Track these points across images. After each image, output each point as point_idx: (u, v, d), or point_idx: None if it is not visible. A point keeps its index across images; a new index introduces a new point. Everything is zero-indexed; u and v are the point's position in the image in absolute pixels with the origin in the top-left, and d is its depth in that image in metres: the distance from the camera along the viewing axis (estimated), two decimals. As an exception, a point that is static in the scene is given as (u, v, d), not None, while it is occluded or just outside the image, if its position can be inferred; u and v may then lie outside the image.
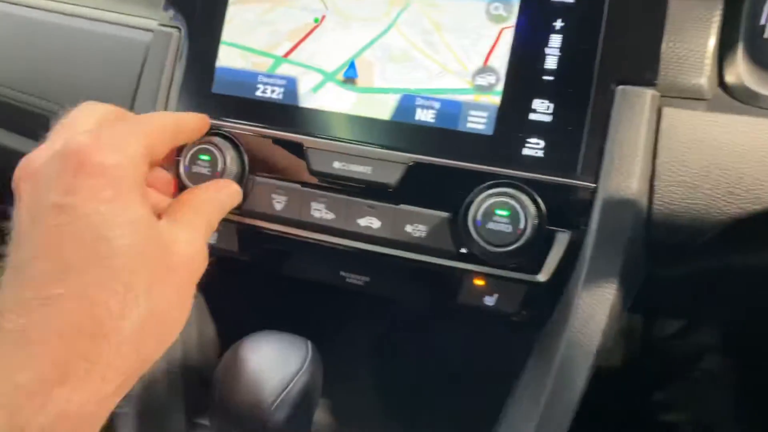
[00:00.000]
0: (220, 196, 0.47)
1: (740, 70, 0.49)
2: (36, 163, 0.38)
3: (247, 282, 0.66)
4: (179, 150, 0.53)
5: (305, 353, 0.49)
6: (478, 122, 0.50)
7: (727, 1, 0.50)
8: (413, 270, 0.53)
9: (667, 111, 0.48)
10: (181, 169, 0.54)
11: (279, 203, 0.54)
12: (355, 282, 0.57)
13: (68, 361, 0.33)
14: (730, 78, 0.50)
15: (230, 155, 0.53)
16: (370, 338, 0.67)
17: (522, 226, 0.47)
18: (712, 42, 0.49)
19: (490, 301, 0.51)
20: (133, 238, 0.36)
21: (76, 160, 0.36)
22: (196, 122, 0.49)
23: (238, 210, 0.55)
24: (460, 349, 0.63)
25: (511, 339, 0.54)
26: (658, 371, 1.14)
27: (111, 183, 0.36)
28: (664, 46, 0.48)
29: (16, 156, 0.69)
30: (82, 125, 0.41)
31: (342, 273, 0.57)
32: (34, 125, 0.66)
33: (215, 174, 0.53)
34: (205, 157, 0.53)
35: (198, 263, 0.41)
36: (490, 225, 0.47)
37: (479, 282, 0.51)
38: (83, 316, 0.34)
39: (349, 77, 0.53)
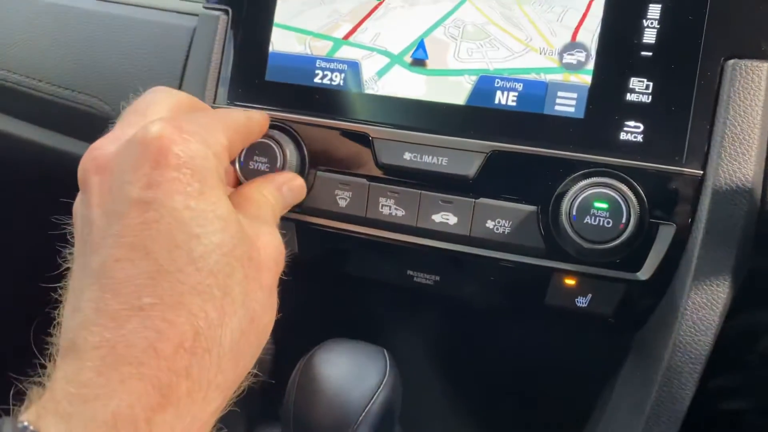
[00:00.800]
0: (284, 191, 0.42)
1: None
2: (106, 153, 0.33)
3: (307, 282, 0.62)
4: None
5: (384, 365, 0.45)
6: (567, 104, 0.45)
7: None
8: (492, 269, 0.48)
9: (784, 86, 0.42)
10: (237, 165, 0.49)
11: (343, 199, 0.50)
12: (423, 282, 0.53)
13: (169, 383, 0.28)
14: None
15: (289, 149, 0.49)
16: (444, 342, 0.63)
17: (624, 220, 0.42)
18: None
19: (582, 302, 0.46)
20: (224, 235, 0.32)
21: (157, 149, 0.31)
22: (262, 121, 0.44)
23: (299, 207, 0.50)
24: (544, 353, 0.58)
25: (603, 341, 0.49)
26: (715, 357, 1.09)
27: (196, 176, 0.32)
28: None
29: (53, 154, 0.65)
30: (156, 112, 0.36)
31: (409, 272, 0.53)
32: (76, 122, 0.62)
33: (275, 170, 0.48)
34: (263, 152, 0.49)
35: (281, 258, 0.37)
36: (588, 219, 0.42)
37: (570, 281, 0.46)
38: (182, 327, 0.29)
39: (418, 59, 0.48)
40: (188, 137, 0.32)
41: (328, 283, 0.63)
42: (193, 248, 0.30)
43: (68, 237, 0.36)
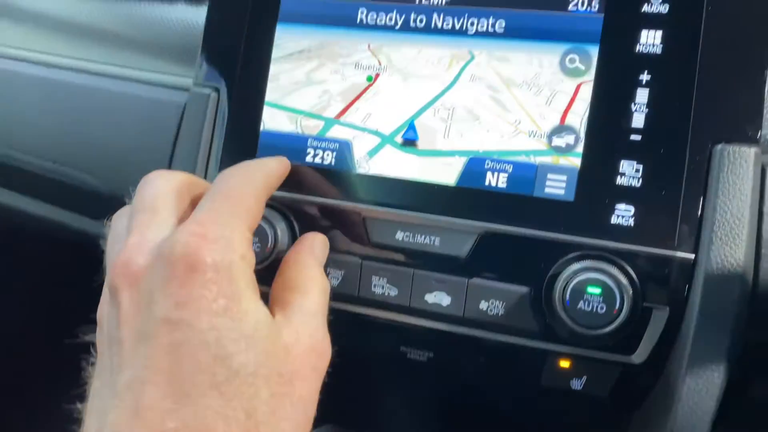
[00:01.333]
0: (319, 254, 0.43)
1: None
2: (136, 265, 0.33)
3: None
4: None
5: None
6: (557, 187, 0.45)
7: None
8: (486, 349, 0.48)
9: (772, 170, 0.43)
10: None
11: (335, 278, 0.49)
12: (416, 358, 0.52)
13: None
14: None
15: (280, 228, 0.49)
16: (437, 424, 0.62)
17: (618, 305, 0.42)
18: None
19: (577, 384, 0.46)
20: (252, 353, 0.32)
21: (184, 266, 0.31)
22: (280, 168, 0.44)
23: (290, 286, 0.50)
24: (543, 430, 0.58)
25: (603, 420, 0.49)
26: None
27: (223, 289, 0.32)
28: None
29: (46, 225, 0.64)
30: (166, 206, 0.37)
31: (403, 348, 0.53)
32: (65, 194, 0.62)
33: (266, 250, 0.48)
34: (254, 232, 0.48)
35: (323, 362, 0.36)
36: (581, 305, 0.42)
37: (565, 364, 0.46)
38: None
39: (409, 139, 0.48)
40: (214, 247, 0.32)
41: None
42: (216, 372, 0.30)
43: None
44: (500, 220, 0.46)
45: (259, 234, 0.48)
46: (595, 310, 0.42)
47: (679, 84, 0.43)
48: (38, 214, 0.67)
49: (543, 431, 0.58)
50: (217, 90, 0.54)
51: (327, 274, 0.49)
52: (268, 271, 0.47)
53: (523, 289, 0.45)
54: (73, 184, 0.60)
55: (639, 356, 0.44)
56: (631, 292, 0.42)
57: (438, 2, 0.48)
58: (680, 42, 0.43)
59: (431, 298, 0.47)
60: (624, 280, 0.42)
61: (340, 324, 0.51)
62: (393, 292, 0.48)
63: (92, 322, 0.38)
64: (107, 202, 0.59)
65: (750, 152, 0.42)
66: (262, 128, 0.52)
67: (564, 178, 0.45)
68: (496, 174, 0.46)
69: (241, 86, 0.52)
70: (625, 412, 0.48)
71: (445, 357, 0.51)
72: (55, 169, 0.60)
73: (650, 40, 0.44)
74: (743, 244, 0.42)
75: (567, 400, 0.47)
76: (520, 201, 0.46)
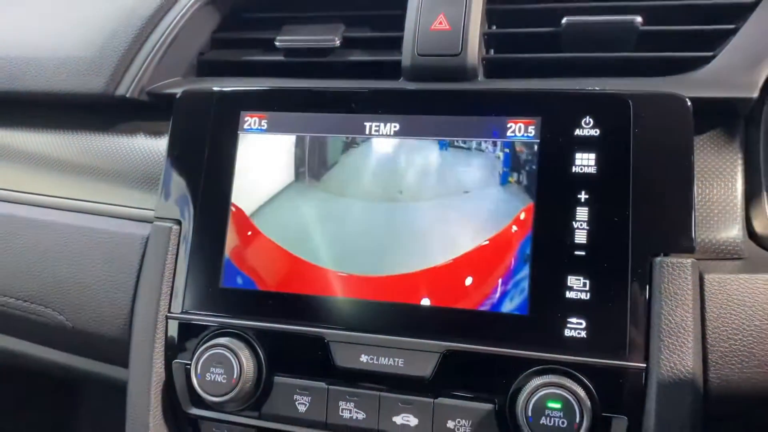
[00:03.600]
0: None
1: (768, 220, 0.48)
2: None
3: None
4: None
5: None
6: (513, 304, 0.47)
7: (742, 148, 0.50)
8: (456, 464, 0.48)
9: (709, 278, 0.46)
10: (193, 380, 0.50)
11: (303, 404, 0.50)
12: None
13: None
14: (758, 227, 0.49)
15: (245, 356, 0.50)
16: None
17: (578, 419, 0.43)
18: (738, 194, 0.48)
19: (547, 498, 0.47)
20: None
21: None
22: None
23: (257, 413, 0.50)
24: None
25: None
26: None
27: None
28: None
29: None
30: None
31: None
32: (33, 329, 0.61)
33: (233, 381, 0.49)
34: (219, 362, 0.49)
35: None
36: (544, 420, 0.44)
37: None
38: None
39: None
40: None
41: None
42: None
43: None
44: (461, 338, 0.47)
45: (224, 364, 0.49)
46: (556, 424, 0.43)
47: (615, 201, 0.46)
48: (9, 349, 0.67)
49: None
50: (179, 222, 0.55)
51: (295, 401, 0.50)
52: (234, 403, 0.48)
53: (488, 406, 0.46)
54: (37, 320, 0.60)
55: (604, 468, 0.45)
56: (589, 403, 0.44)
57: (386, 132, 0.51)
58: (612, 162, 0.47)
59: (399, 419, 0.48)
60: (582, 393, 0.44)
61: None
62: (361, 416, 0.49)
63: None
64: (74, 336, 0.59)
65: (687, 262, 0.45)
66: (225, 256, 0.53)
67: (521, 296, 0.47)
68: (453, 293, 0.48)
69: (203, 217, 0.54)
70: None
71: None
72: (18, 306, 0.60)
73: (584, 161, 0.47)
74: (690, 349, 0.44)
75: None
76: (480, 317, 0.47)
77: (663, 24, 0.52)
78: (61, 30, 0.66)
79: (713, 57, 0.50)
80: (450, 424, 0.47)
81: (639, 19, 0.51)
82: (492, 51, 0.56)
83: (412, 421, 0.48)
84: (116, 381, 0.62)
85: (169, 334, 0.54)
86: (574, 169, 0.47)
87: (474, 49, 0.53)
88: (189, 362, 0.51)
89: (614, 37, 0.53)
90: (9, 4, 0.71)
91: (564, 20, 0.53)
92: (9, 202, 0.63)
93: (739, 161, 0.49)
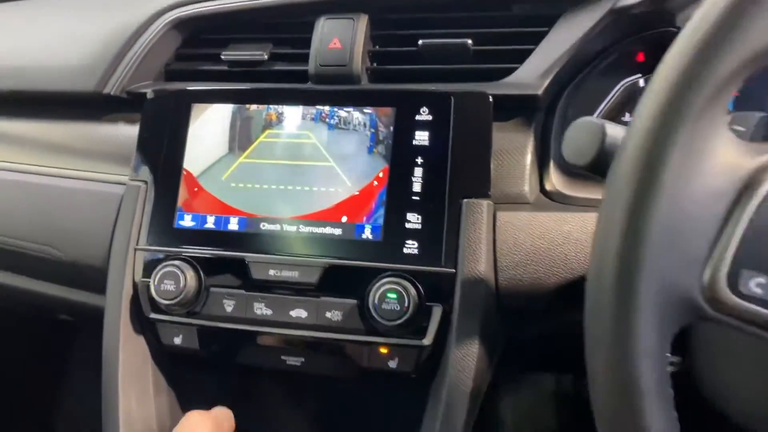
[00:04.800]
0: None
1: (553, 180, 0.71)
2: None
3: (207, 377, 0.82)
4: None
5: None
6: (372, 234, 0.69)
7: (537, 131, 0.72)
8: (336, 347, 0.70)
9: (500, 214, 0.68)
10: (152, 290, 0.71)
11: (229, 306, 0.71)
12: (293, 363, 0.74)
13: None
14: (547, 186, 0.71)
15: (189, 274, 0.71)
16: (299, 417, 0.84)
17: (407, 305, 0.65)
18: (528, 161, 0.70)
19: (393, 364, 0.68)
20: None
21: None
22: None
23: (197, 315, 0.71)
24: (374, 409, 0.79)
25: (409, 394, 0.71)
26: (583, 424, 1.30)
27: None
28: (493, 168, 0.69)
29: (20, 294, 0.85)
30: None
31: (282, 357, 0.74)
32: (37, 265, 0.83)
33: (179, 289, 0.70)
34: (171, 278, 0.70)
35: None
36: (384, 306, 0.65)
37: (384, 350, 0.68)
38: None
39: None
40: None
41: (226, 375, 0.83)
42: None
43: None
44: (338, 257, 0.69)
45: (173, 279, 0.70)
46: (393, 308, 0.65)
47: (439, 163, 0.68)
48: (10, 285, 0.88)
49: (377, 401, 0.79)
50: (146, 183, 0.77)
51: (224, 304, 0.71)
52: (180, 306, 0.69)
53: (354, 301, 0.68)
54: (39, 256, 0.82)
55: (427, 339, 0.66)
56: (416, 295, 0.65)
57: (295, 117, 0.74)
58: (439, 137, 0.69)
59: (294, 313, 0.70)
60: (411, 288, 0.65)
61: (240, 343, 0.73)
62: (269, 312, 0.70)
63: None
64: (69, 269, 0.80)
65: (484, 202, 0.67)
66: (178, 205, 0.75)
67: (371, 231, 0.69)
68: (335, 227, 0.70)
69: (162, 179, 0.76)
70: (426, 383, 0.69)
71: (311, 360, 0.73)
72: (25, 246, 0.82)
73: (421, 137, 0.69)
74: (483, 262, 0.66)
75: (388, 377, 0.69)
76: (350, 243, 0.69)
77: (490, 44, 0.75)
78: (61, 44, 0.88)
79: (518, 68, 0.72)
80: (328, 314, 0.68)
81: (470, 41, 0.74)
82: (375, 63, 0.79)
83: (303, 314, 0.69)
84: (96, 308, 0.82)
85: (136, 261, 0.75)
86: (414, 142, 0.70)
87: (358, 62, 0.75)
88: (149, 279, 0.72)
89: (456, 54, 0.75)
90: (23, 25, 0.94)
91: (420, 42, 0.75)
92: (15, 171, 0.85)
93: (532, 139, 0.72)
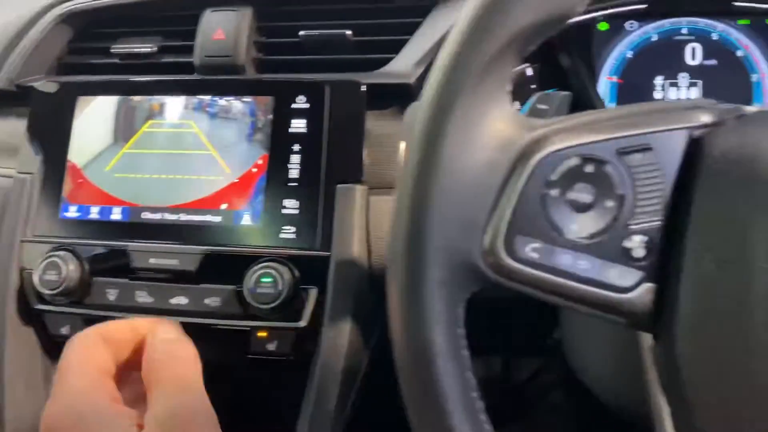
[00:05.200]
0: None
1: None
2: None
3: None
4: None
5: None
6: (251, 220, 0.70)
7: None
8: (219, 333, 0.71)
9: (374, 199, 0.70)
10: (35, 280, 0.71)
11: (112, 295, 0.72)
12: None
13: None
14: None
15: (72, 264, 0.71)
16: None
17: (280, 287, 0.66)
18: (403, 147, 0.72)
19: (272, 347, 0.70)
20: None
21: None
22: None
23: (82, 304, 0.72)
24: (259, 391, 0.81)
25: (291, 377, 0.72)
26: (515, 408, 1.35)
27: None
28: (369, 154, 0.71)
29: None
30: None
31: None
32: None
33: (61, 279, 0.70)
34: (53, 268, 0.71)
35: None
36: (259, 290, 0.67)
37: (262, 334, 0.70)
38: None
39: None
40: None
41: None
42: None
43: None
44: (217, 243, 0.70)
45: (55, 269, 0.71)
46: (267, 292, 0.66)
47: (315, 150, 0.70)
48: None
49: (264, 385, 0.81)
50: (32, 174, 0.77)
51: (107, 293, 0.72)
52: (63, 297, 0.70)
53: (231, 287, 0.69)
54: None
55: (303, 321, 0.68)
56: (290, 278, 0.67)
57: (180, 107, 0.75)
58: (315, 125, 0.71)
59: (175, 300, 0.71)
60: (287, 272, 0.67)
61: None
62: (150, 299, 0.71)
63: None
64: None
65: (357, 187, 0.69)
66: (63, 195, 0.75)
67: (250, 214, 0.71)
68: (214, 215, 0.71)
69: (47, 171, 0.76)
70: (306, 364, 0.71)
71: (199, 346, 0.74)
72: None
73: (298, 125, 0.71)
74: (357, 244, 0.68)
75: (271, 360, 0.71)
76: (230, 229, 0.71)
77: (369, 35, 0.77)
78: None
79: (392, 58, 0.75)
80: (207, 301, 0.70)
81: (349, 32, 0.76)
82: (261, 54, 0.80)
83: (183, 300, 0.70)
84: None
85: (23, 253, 0.75)
86: (291, 130, 0.71)
87: (242, 53, 0.77)
88: (33, 270, 0.73)
89: (337, 44, 0.77)
90: None
91: (301, 33, 0.77)
92: None
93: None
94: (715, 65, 0.86)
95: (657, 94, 0.88)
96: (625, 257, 0.37)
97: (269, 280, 0.67)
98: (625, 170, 0.37)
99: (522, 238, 0.38)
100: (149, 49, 0.82)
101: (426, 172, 0.37)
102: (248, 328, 0.70)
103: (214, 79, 0.76)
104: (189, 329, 0.71)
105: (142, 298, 0.71)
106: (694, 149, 0.37)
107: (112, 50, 0.82)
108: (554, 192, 0.38)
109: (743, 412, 0.35)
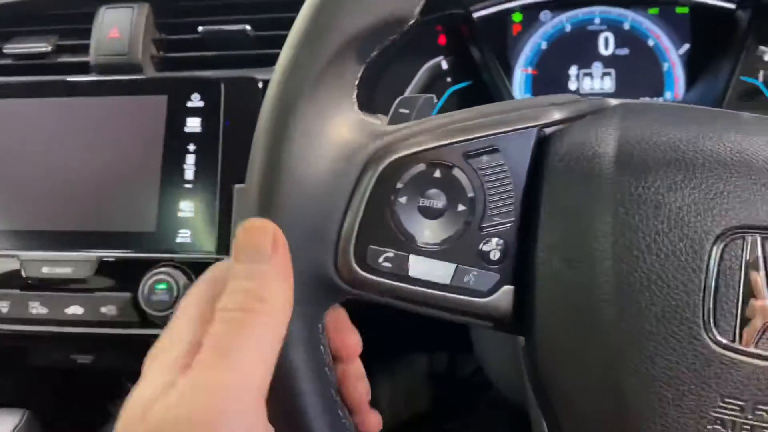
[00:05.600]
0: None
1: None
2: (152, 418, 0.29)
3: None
4: None
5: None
6: (146, 225, 0.68)
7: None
8: (120, 342, 0.69)
9: (273, 198, 0.68)
10: None
11: (4, 307, 0.69)
12: (84, 362, 0.72)
13: None
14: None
15: None
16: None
17: (176, 294, 0.64)
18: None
19: (171, 355, 0.67)
20: None
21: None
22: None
23: (-27, 318, 0.69)
24: None
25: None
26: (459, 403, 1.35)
27: None
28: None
29: None
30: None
31: (72, 356, 0.72)
32: None
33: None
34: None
35: None
36: (153, 297, 0.64)
37: (161, 342, 0.67)
38: None
39: (51, 203, 0.70)
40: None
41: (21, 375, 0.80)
42: None
43: None
44: (111, 250, 0.68)
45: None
46: (162, 299, 0.64)
47: (211, 150, 0.68)
48: None
49: None
50: None
51: (-1, 306, 0.69)
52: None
53: (127, 294, 0.67)
54: None
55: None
56: (187, 284, 0.65)
57: (76, 108, 0.72)
58: (210, 124, 0.68)
59: (70, 310, 0.68)
60: (182, 278, 0.65)
61: (26, 343, 0.71)
62: (45, 310, 0.68)
63: None
64: None
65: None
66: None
67: (150, 217, 0.68)
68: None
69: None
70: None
71: (99, 356, 0.72)
72: None
73: (193, 124, 0.69)
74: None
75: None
76: (124, 235, 0.68)
77: (270, 30, 0.75)
78: None
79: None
80: (103, 309, 0.67)
81: (248, 27, 0.74)
82: (161, 52, 0.77)
83: (79, 310, 0.68)
84: None
85: None
86: (186, 129, 0.69)
87: (138, 51, 0.74)
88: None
89: (238, 40, 0.75)
90: None
91: (200, 29, 0.74)
92: None
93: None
94: (628, 54, 0.86)
95: (572, 85, 0.87)
96: (482, 261, 0.36)
97: (164, 286, 0.64)
98: (474, 173, 0.36)
99: (374, 248, 0.36)
100: (44, 49, 0.78)
101: (269, 184, 0.36)
102: (147, 336, 0.67)
103: (109, 80, 0.73)
104: (87, 340, 0.69)
105: (36, 309, 0.68)
106: (543, 148, 0.36)
107: (5, 50, 0.79)
108: (403, 199, 0.36)
109: (600, 405, 0.34)
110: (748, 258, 0.32)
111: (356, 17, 0.35)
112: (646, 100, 0.86)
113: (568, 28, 0.87)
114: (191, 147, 0.68)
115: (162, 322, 0.65)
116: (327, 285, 0.37)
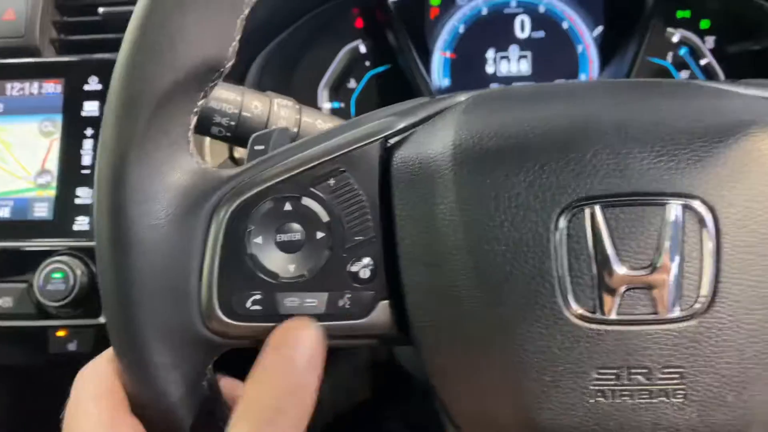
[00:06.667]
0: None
1: (240, 149, 0.70)
2: None
3: None
4: None
5: None
6: (42, 211, 0.65)
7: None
8: (18, 334, 0.66)
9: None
10: None
11: None
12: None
13: None
14: (236, 154, 0.70)
15: None
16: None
17: (72, 283, 0.62)
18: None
19: (72, 346, 0.65)
20: None
21: None
22: None
23: None
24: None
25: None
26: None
27: None
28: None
29: None
30: None
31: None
32: None
33: None
34: None
35: None
36: (49, 287, 0.62)
37: (61, 333, 0.65)
38: None
39: None
40: None
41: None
42: None
43: None
44: (5, 239, 0.65)
45: None
46: (57, 288, 0.62)
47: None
48: None
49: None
50: None
51: None
52: None
53: (22, 285, 0.64)
54: None
55: (103, 318, 0.63)
56: (85, 272, 0.62)
57: None
58: (109, 108, 0.66)
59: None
60: (80, 266, 0.63)
61: None
62: (-64, 304, 0.65)
63: None
64: None
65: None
66: None
67: (46, 204, 0.65)
68: (1, 208, 0.66)
69: None
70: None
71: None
72: None
73: (90, 108, 0.66)
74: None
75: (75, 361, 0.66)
76: (21, 224, 0.65)
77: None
78: None
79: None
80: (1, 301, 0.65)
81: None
82: (62, 35, 0.74)
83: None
84: None
85: None
86: (83, 113, 0.67)
87: (34, 34, 0.71)
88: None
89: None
90: None
91: (100, 10, 0.72)
92: None
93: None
94: (543, 37, 0.86)
95: (489, 68, 0.87)
96: (353, 282, 0.36)
97: (60, 275, 0.62)
98: (325, 198, 0.36)
99: (239, 294, 0.35)
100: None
101: (117, 260, 0.33)
102: (45, 329, 0.65)
103: (4, 63, 0.70)
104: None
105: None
106: (389, 159, 0.36)
107: None
108: (258, 239, 0.35)
109: (488, 402, 0.34)
110: (591, 229, 0.32)
111: (163, 77, 0.32)
112: (561, 82, 0.86)
113: (484, 11, 0.87)
114: (89, 131, 0.66)
115: (59, 313, 0.63)
116: (200, 342, 0.35)
